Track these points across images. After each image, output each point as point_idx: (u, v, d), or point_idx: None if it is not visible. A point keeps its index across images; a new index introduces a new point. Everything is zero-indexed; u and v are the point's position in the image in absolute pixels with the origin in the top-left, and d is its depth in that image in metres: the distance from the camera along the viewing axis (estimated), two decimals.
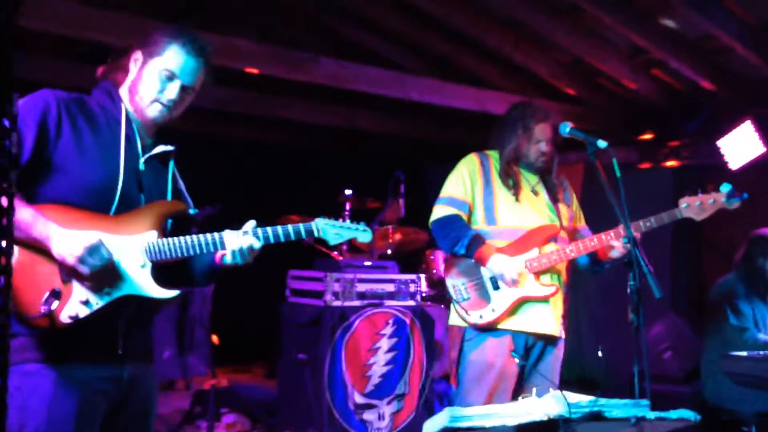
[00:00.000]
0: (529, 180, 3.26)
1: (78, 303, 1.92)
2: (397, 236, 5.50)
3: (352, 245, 5.14)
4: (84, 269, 1.90)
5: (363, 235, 2.32)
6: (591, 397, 2.04)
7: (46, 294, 1.88)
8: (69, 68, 5.12)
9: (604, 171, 2.72)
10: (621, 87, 5.78)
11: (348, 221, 2.31)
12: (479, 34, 5.38)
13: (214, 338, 4.68)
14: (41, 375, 1.92)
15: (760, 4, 4.27)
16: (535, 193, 3.25)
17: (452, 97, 5.67)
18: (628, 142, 6.03)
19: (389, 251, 5.40)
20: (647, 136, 5.96)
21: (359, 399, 4.35)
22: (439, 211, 3.22)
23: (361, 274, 4.63)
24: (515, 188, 3.19)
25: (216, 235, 2.11)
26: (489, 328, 3.08)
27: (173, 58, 2.11)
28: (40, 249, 1.92)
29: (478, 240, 3.10)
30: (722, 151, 5.19)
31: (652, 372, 4.73)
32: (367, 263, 4.81)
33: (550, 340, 3.16)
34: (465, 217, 3.19)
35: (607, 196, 2.69)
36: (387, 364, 4.48)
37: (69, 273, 1.93)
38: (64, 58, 5.28)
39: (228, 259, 2.13)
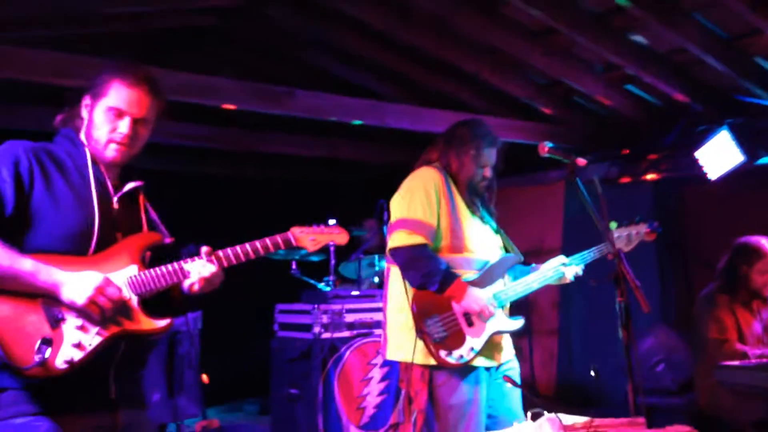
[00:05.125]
0: (478, 206, 3.14)
1: (71, 347, 1.91)
2: (384, 264, 5.48)
3: (340, 277, 5.12)
4: (93, 310, 1.92)
5: (339, 237, 2.38)
6: (586, 418, 2.03)
7: (38, 342, 1.86)
8: (45, 114, 5.10)
9: (585, 188, 2.73)
10: (597, 104, 5.84)
11: (323, 226, 2.34)
12: (456, 60, 5.43)
13: (204, 378, 4.61)
14: (34, 427, 1.89)
15: (727, 17, 4.35)
16: (482, 218, 3.13)
17: (430, 122, 5.70)
18: (606, 158, 6.08)
19: (376, 279, 5.38)
20: (625, 152, 6.01)
21: None
22: (404, 238, 2.94)
23: (349, 305, 4.61)
24: (477, 213, 3.08)
25: (196, 259, 2.12)
26: (460, 368, 2.92)
27: (117, 94, 2.13)
28: (22, 298, 1.90)
29: (451, 276, 2.92)
30: (700, 162, 5.23)
31: (646, 385, 4.75)
32: (355, 293, 4.79)
33: (507, 366, 3.12)
34: (431, 245, 2.97)
35: (588, 214, 2.71)
36: (380, 393, 4.44)
37: (79, 315, 1.93)
38: (41, 105, 5.27)
39: (196, 287, 2.12)
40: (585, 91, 5.61)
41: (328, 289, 4.86)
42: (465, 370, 2.91)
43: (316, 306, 4.49)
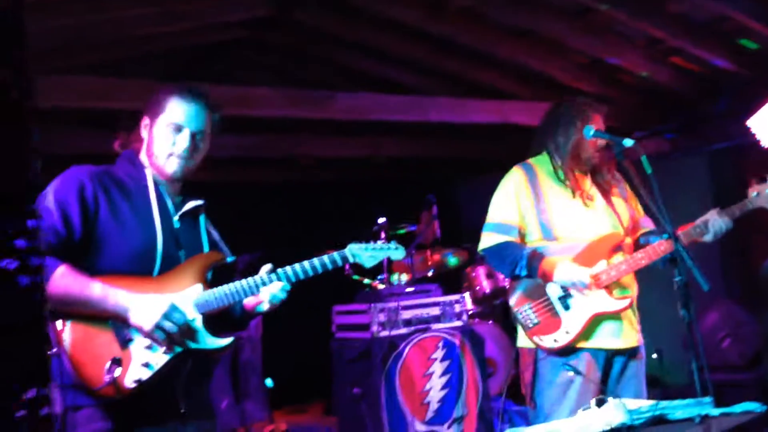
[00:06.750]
0: (582, 183, 3.05)
1: (139, 366, 1.98)
2: (436, 258, 5.48)
3: (392, 273, 5.13)
4: (160, 335, 1.98)
5: (396, 252, 2.43)
6: (651, 402, 2.00)
7: (108, 363, 1.94)
8: (95, 137, 5.25)
9: (635, 168, 2.68)
10: (642, 80, 5.72)
11: (380, 242, 2.39)
12: (490, 47, 5.38)
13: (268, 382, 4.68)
14: None
15: None
16: (590, 197, 3.03)
17: (472, 113, 5.67)
18: (658, 133, 5.96)
19: (430, 274, 5.38)
20: (676, 125, 5.88)
21: (420, 427, 4.31)
22: (487, 240, 3.05)
23: (405, 301, 4.61)
24: (574, 194, 2.99)
25: (257, 278, 2.18)
26: (565, 350, 2.89)
27: (175, 109, 2.19)
28: (93, 321, 1.98)
29: (536, 257, 2.92)
30: (753, 129, 5.08)
31: (713, 362, 4.65)
32: (410, 289, 4.80)
33: (631, 353, 2.98)
34: (516, 241, 3.00)
35: (640, 194, 2.66)
36: (443, 388, 4.44)
37: (146, 337, 1.99)
38: (90, 128, 5.42)
39: (264, 307, 2.19)
40: (629, 68, 5.50)
41: (382, 287, 4.88)
42: (567, 350, 2.89)
43: (372, 305, 4.51)
